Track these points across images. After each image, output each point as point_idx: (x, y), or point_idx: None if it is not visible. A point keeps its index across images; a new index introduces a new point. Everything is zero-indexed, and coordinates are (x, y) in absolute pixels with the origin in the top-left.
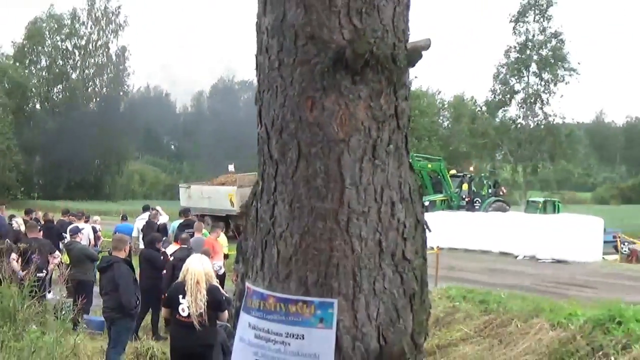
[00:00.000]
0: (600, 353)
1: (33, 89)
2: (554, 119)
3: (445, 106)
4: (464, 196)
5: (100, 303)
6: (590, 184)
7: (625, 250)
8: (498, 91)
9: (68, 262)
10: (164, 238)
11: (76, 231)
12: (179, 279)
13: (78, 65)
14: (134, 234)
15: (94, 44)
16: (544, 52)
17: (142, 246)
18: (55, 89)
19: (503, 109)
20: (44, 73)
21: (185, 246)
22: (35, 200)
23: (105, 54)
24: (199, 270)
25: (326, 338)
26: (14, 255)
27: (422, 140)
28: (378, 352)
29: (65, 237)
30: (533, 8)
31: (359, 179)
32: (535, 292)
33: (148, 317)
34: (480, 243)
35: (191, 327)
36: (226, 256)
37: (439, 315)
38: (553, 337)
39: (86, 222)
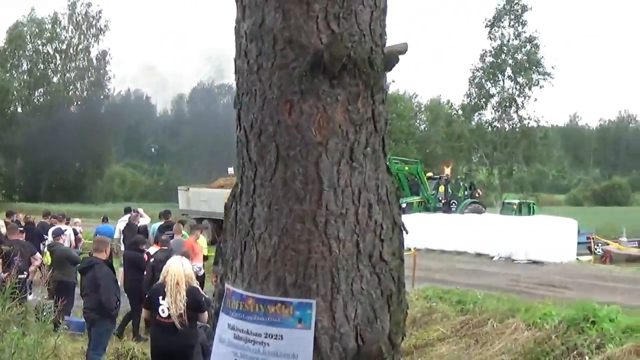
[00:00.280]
0: (575, 352)
1: (14, 92)
2: (528, 122)
3: (422, 109)
4: (440, 198)
5: (82, 304)
6: (564, 186)
7: (598, 251)
8: (474, 95)
9: (49, 264)
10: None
11: (59, 233)
12: (160, 281)
13: (59, 69)
14: (116, 235)
15: (74, 48)
16: (518, 57)
17: (123, 248)
18: (36, 93)
19: (479, 112)
20: (25, 77)
21: (166, 248)
22: (16, 202)
23: (86, 58)
24: (179, 271)
25: (305, 338)
26: None
27: (399, 143)
28: (356, 352)
29: (47, 239)
30: (508, 13)
31: (336, 181)
32: (510, 293)
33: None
34: (456, 244)
35: (171, 327)
36: (206, 257)
37: (416, 316)
38: (528, 337)
39: (67, 224)
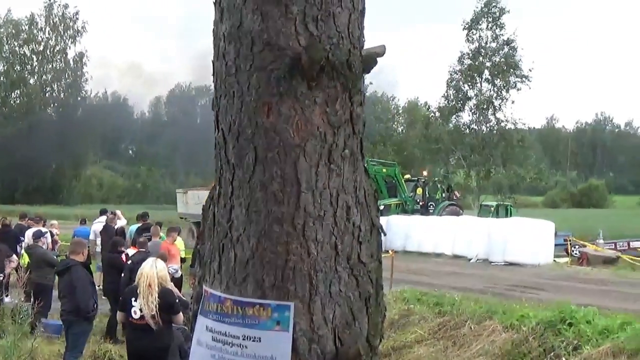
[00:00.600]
0: (552, 354)
1: None
2: (506, 125)
3: (400, 112)
4: (418, 200)
5: (59, 307)
6: (541, 188)
7: (575, 253)
8: (451, 97)
9: (26, 266)
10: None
11: (39, 235)
12: (135, 283)
13: (36, 70)
14: (91, 237)
15: (51, 49)
16: (496, 59)
17: (99, 249)
18: (12, 94)
19: (456, 114)
20: (1, 78)
21: (143, 250)
22: None
23: (63, 60)
24: (151, 273)
25: (283, 341)
26: None
27: (378, 145)
28: (334, 354)
29: (23, 241)
30: (486, 16)
31: (314, 183)
32: (488, 295)
33: (105, 320)
34: (434, 246)
35: (144, 329)
36: (183, 260)
37: (393, 318)
38: (506, 339)
39: (43, 226)
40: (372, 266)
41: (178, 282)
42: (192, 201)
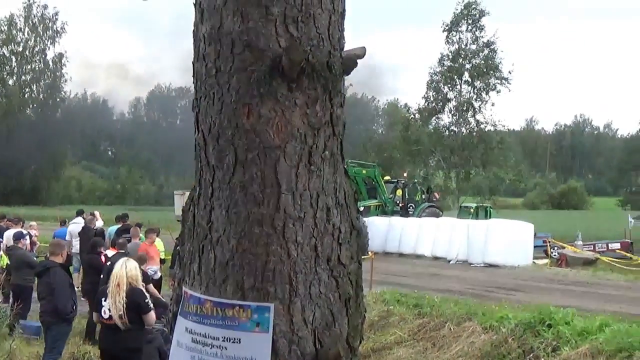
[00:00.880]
0: (531, 355)
1: None
2: (485, 127)
3: (380, 113)
4: (398, 202)
5: (39, 308)
6: (520, 190)
7: (554, 255)
8: (431, 99)
9: (4, 267)
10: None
11: (19, 237)
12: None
13: (15, 71)
14: (67, 238)
15: (30, 50)
16: (476, 61)
17: (74, 251)
18: None
19: (436, 116)
20: None
21: (122, 251)
22: None
23: (42, 61)
24: (120, 273)
25: (263, 342)
26: None
27: (358, 147)
28: (314, 356)
29: (1, 242)
30: (466, 18)
31: (294, 184)
32: (467, 296)
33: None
34: (414, 248)
35: (114, 329)
36: (163, 261)
37: (373, 319)
38: (485, 340)
39: (22, 227)
40: (352, 268)
41: (157, 283)
42: None
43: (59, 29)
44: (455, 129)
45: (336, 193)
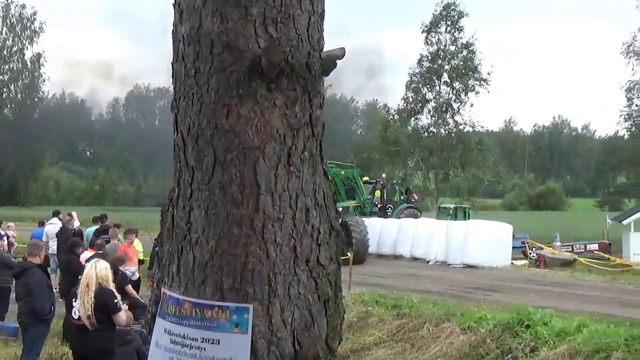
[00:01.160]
0: (510, 356)
1: None
2: (464, 128)
3: (359, 114)
4: (376, 203)
5: (16, 309)
6: (499, 191)
7: (533, 256)
8: (410, 99)
9: None
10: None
11: None
12: None
13: None
14: (44, 239)
15: (8, 50)
16: (455, 62)
17: (51, 251)
18: None
19: (415, 117)
20: None
21: (101, 252)
22: None
23: (20, 60)
24: (90, 273)
25: (241, 343)
26: None
27: (336, 147)
28: (293, 357)
29: None
30: (445, 19)
31: (274, 185)
32: (446, 297)
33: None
34: (392, 248)
35: (83, 329)
36: (141, 262)
37: (352, 320)
38: (464, 341)
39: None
40: (331, 268)
41: (136, 284)
42: None
43: (37, 28)
44: (434, 130)
45: (315, 194)
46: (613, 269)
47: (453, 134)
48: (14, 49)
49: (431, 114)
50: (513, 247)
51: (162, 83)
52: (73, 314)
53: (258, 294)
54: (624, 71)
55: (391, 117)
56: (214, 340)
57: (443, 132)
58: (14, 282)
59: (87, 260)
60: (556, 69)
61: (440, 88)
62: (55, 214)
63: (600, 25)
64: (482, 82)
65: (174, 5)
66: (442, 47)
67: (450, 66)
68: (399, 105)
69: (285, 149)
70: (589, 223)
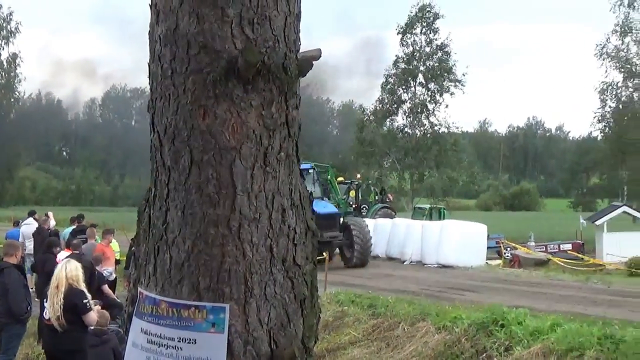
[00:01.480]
0: (484, 355)
1: None
2: (439, 128)
3: (335, 114)
4: (351, 203)
5: None
6: (474, 191)
7: (507, 256)
8: (386, 100)
9: None
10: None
11: None
12: None
13: None
14: (20, 239)
15: None
16: (430, 64)
17: (27, 252)
18: None
19: (390, 118)
20: None
21: (77, 252)
22: None
23: None
24: (60, 275)
25: (218, 342)
26: None
27: (313, 148)
28: (269, 356)
29: None
30: (420, 21)
31: (250, 185)
32: (421, 297)
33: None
34: None
35: (53, 330)
36: (118, 262)
37: (328, 320)
38: (439, 340)
39: None
40: (307, 268)
41: (112, 284)
42: None
43: (13, 29)
44: (409, 131)
45: (291, 194)
46: (586, 269)
47: (428, 135)
48: None
49: (406, 114)
50: (488, 247)
51: (139, 84)
52: (45, 314)
53: (234, 293)
54: (597, 73)
55: (367, 118)
56: (190, 339)
57: (418, 133)
58: None
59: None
60: (531, 70)
61: (415, 89)
62: (31, 214)
63: (575, 28)
64: (457, 83)
65: (151, 6)
66: (417, 48)
67: (426, 67)
68: (374, 106)
69: (261, 149)
70: (563, 223)
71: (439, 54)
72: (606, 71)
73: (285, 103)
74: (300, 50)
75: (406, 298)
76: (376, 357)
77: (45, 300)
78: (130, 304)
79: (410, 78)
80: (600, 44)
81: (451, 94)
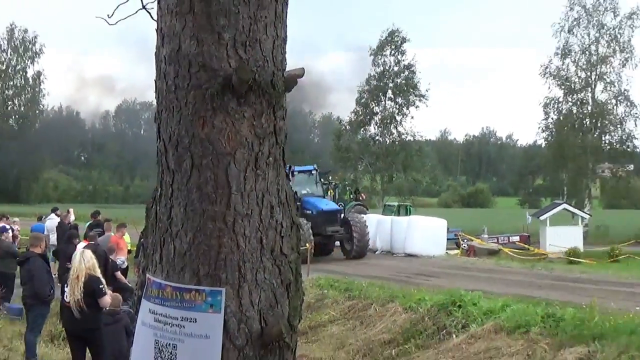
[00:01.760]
0: (444, 332)
1: None
2: (406, 137)
3: (316, 125)
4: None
5: (21, 292)
6: (435, 191)
7: (464, 246)
8: (360, 112)
9: None
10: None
11: (2, 231)
12: None
13: None
14: (45, 232)
15: (13, 68)
16: (398, 81)
17: (51, 242)
18: None
19: (364, 128)
20: None
21: (93, 243)
22: None
23: (23, 78)
24: (80, 267)
25: (215, 321)
26: None
27: (297, 154)
28: (259, 333)
29: None
30: (389, 44)
31: (243, 186)
32: (391, 281)
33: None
34: None
35: (72, 311)
36: (130, 251)
37: (310, 301)
38: (405, 319)
39: (5, 222)
40: (292, 257)
41: (125, 271)
42: None
43: (37, 50)
44: (380, 139)
45: (279, 193)
46: (532, 258)
47: (396, 142)
48: (17, 67)
49: (378, 125)
50: (447, 239)
51: (147, 98)
52: (65, 297)
53: (230, 279)
54: (541, 89)
55: (343, 127)
56: (191, 318)
57: (388, 141)
58: (18, 269)
59: None
60: (485, 86)
61: (385, 103)
62: (54, 210)
63: (522, 51)
64: (421, 98)
65: (157, 31)
66: (387, 68)
67: (394, 84)
68: (350, 117)
69: (253, 154)
70: (512, 218)
71: (406, 72)
72: (549, 88)
73: (273, 115)
74: (287, 69)
75: (377, 283)
76: (352, 334)
77: (65, 285)
78: (139, 288)
79: (380, 93)
80: (544, 65)
81: (416, 107)
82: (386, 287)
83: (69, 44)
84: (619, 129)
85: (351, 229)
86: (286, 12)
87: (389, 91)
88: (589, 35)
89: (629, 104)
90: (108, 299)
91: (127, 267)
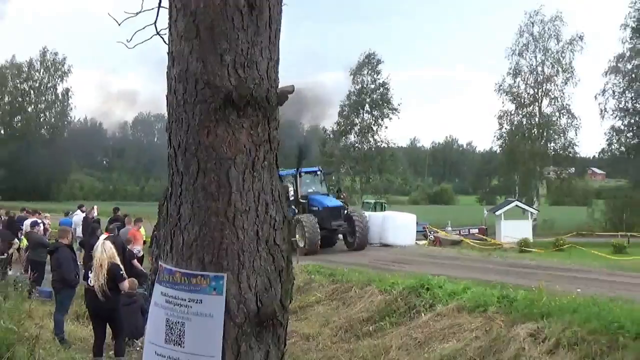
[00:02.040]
0: (414, 311)
1: None
2: (381, 144)
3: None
4: None
5: (50, 277)
6: (406, 190)
7: (431, 237)
8: (342, 123)
9: (25, 247)
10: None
11: (35, 224)
12: None
13: (32, 101)
14: (73, 226)
15: (44, 86)
16: (374, 97)
17: (78, 234)
18: (15, 119)
19: (345, 136)
20: (7, 107)
21: (112, 234)
22: None
23: (53, 93)
24: (102, 256)
25: (218, 302)
26: None
27: (287, 158)
28: (256, 312)
29: (23, 228)
30: (367, 65)
31: (242, 186)
32: (368, 268)
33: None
34: None
35: (95, 293)
36: (145, 242)
37: (299, 285)
38: (381, 300)
39: (39, 217)
40: (284, 247)
41: (140, 259)
42: None
43: (66, 70)
44: (359, 146)
45: (273, 192)
46: (489, 247)
47: (373, 149)
48: (49, 85)
49: (357, 134)
50: (417, 231)
51: (160, 110)
52: (89, 281)
53: (230, 266)
54: (496, 103)
55: (328, 136)
56: (198, 300)
57: (366, 147)
58: (48, 257)
59: None
60: (449, 101)
61: (363, 115)
62: (79, 207)
63: (481, 70)
64: (394, 111)
65: (168, 54)
66: (364, 85)
67: (371, 99)
68: (333, 127)
69: (250, 159)
70: (472, 214)
71: (381, 89)
72: (502, 103)
73: (268, 125)
74: (279, 86)
75: (357, 269)
76: (335, 312)
77: (89, 270)
78: (153, 273)
79: (359, 107)
80: (498, 83)
81: (389, 119)
82: (365, 272)
83: (96, 64)
84: (562, 137)
85: (354, 224)
86: (279, 38)
87: (367, 105)
88: (536, 58)
89: (570, 116)
90: (126, 283)
91: (143, 255)
